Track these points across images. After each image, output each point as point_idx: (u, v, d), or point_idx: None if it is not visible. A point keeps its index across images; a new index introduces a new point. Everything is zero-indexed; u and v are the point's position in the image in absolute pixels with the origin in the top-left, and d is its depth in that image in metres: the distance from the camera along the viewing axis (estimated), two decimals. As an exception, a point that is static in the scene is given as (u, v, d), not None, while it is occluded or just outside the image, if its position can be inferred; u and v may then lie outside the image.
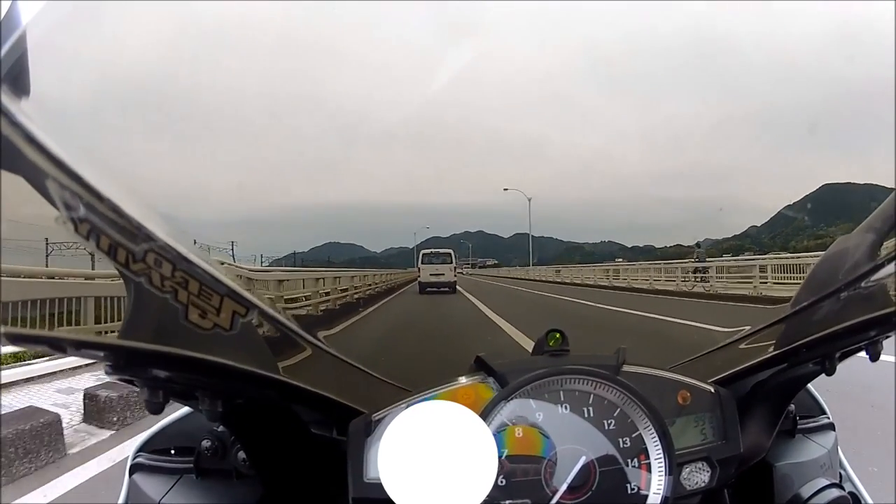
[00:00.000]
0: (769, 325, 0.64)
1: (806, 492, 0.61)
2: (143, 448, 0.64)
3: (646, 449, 0.53)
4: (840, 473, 0.72)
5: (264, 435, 0.54)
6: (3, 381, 4.54)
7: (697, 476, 0.55)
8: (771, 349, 0.60)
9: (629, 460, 0.53)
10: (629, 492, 0.52)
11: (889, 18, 0.64)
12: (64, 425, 3.42)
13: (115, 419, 3.83)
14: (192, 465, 0.60)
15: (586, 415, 0.53)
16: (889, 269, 0.48)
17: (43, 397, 4.34)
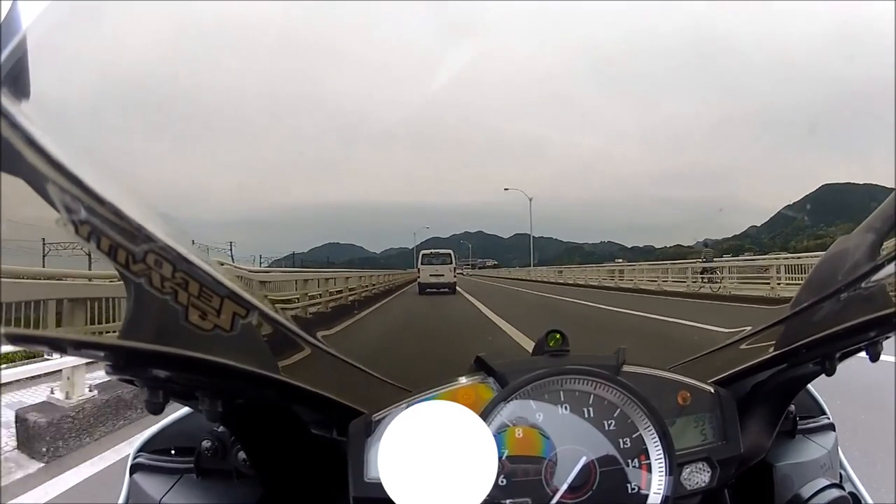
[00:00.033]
0: (769, 326, 0.64)
1: (806, 492, 0.61)
2: (144, 448, 0.64)
3: (646, 449, 0.53)
4: (840, 474, 0.72)
5: (264, 435, 0.54)
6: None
7: (698, 476, 0.55)
8: (771, 350, 0.60)
9: (629, 460, 0.53)
10: (629, 492, 0.52)
11: (889, 18, 0.64)
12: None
13: (44, 450, 3.16)
14: (192, 465, 0.60)
15: (586, 415, 0.53)
16: (889, 269, 0.48)
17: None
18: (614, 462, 0.52)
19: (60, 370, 3.73)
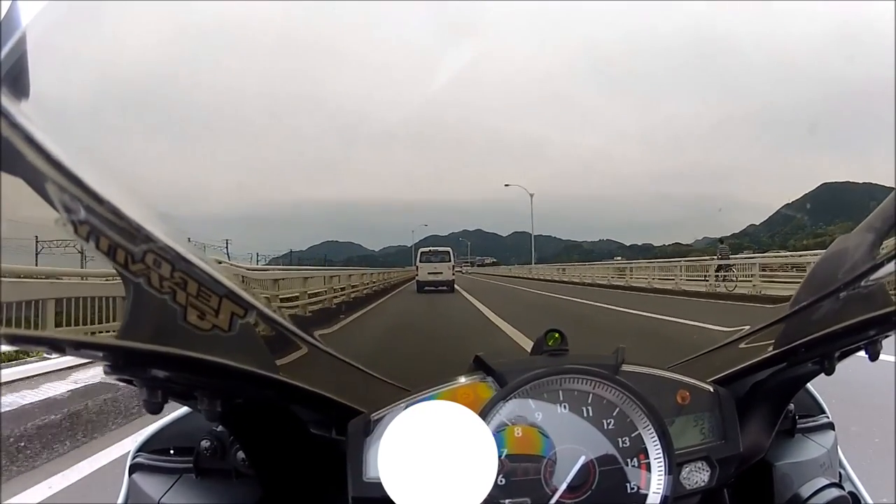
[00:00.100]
0: (768, 325, 0.64)
1: (805, 491, 0.61)
2: (143, 448, 0.64)
3: (645, 448, 0.53)
4: (840, 473, 0.72)
5: (263, 435, 0.54)
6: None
7: (697, 475, 0.55)
8: (770, 349, 0.60)
9: (629, 460, 0.53)
10: (629, 491, 0.52)
11: (889, 18, 0.64)
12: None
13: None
14: (191, 465, 0.60)
15: (585, 414, 0.53)
16: (888, 268, 0.48)
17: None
18: (613, 461, 0.52)
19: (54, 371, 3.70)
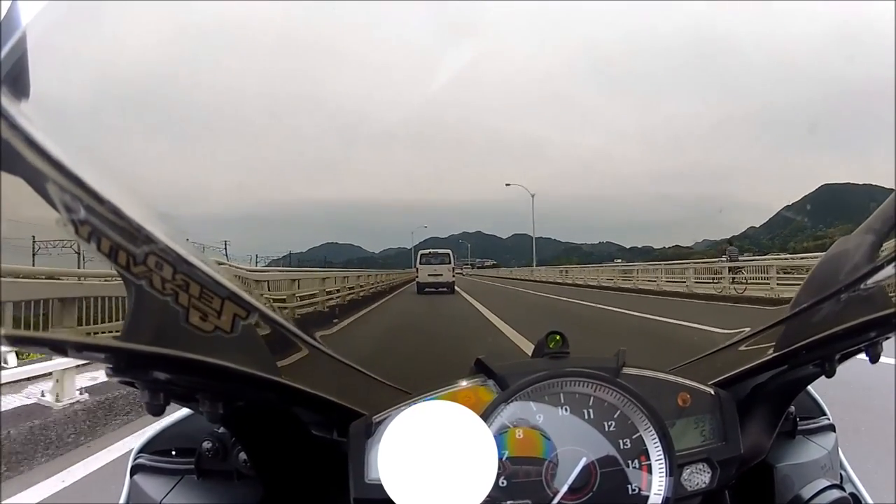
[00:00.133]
0: (769, 327, 0.64)
1: (807, 493, 0.61)
2: (144, 449, 0.64)
3: (646, 450, 0.53)
4: (840, 474, 0.72)
5: (265, 436, 0.54)
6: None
7: (698, 477, 0.55)
8: (771, 351, 0.60)
9: (630, 461, 0.53)
10: (630, 493, 0.52)
11: (889, 18, 0.64)
12: None
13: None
14: (192, 466, 0.60)
15: (587, 416, 0.53)
16: (889, 270, 0.48)
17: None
18: (615, 463, 0.52)
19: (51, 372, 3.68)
